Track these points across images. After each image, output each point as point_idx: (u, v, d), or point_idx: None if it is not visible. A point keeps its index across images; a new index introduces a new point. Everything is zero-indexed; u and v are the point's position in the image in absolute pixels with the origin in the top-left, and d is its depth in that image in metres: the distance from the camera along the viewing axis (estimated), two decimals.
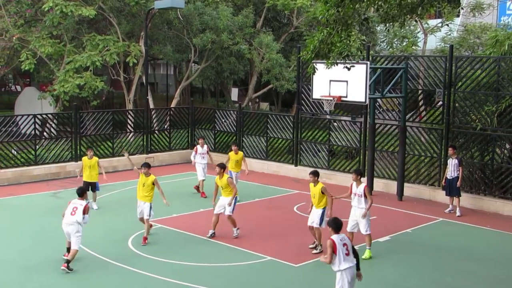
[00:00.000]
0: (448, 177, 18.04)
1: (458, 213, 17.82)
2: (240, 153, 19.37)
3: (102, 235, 15.67)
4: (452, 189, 18.01)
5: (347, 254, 9.85)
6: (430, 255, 14.33)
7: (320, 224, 14.07)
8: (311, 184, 14.30)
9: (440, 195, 19.40)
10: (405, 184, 19.95)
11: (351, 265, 9.88)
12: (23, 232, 15.92)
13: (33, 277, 12.72)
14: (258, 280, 12.72)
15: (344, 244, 9.86)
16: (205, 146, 20.51)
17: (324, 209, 14.08)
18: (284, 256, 14.04)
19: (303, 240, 15.29)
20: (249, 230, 16.03)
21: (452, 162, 17.94)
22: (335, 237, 9.83)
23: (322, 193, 14.04)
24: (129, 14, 28.31)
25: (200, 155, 20.18)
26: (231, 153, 19.23)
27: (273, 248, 14.66)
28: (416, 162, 20.67)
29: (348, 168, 22.26)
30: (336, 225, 9.94)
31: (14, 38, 26.28)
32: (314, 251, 14.23)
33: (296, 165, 23.50)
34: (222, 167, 15.41)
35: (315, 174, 14.29)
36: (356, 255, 10.05)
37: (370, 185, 20.42)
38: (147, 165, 15.03)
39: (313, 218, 14.24)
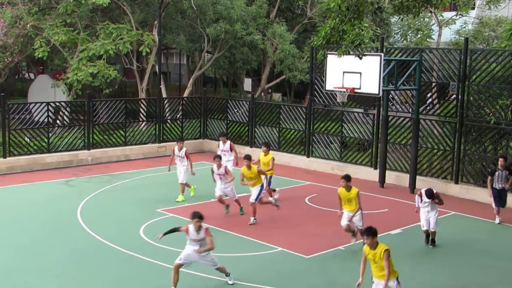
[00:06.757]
0: (497, 188, 16.56)
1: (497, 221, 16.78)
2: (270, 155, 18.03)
3: (114, 223, 15.75)
4: (501, 199, 16.64)
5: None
6: (441, 248, 14.29)
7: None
8: (343, 189, 13.81)
9: (452, 188, 19.32)
10: (417, 177, 19.84)
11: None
12: (35, 219, 16.02)
13: (44, 263, 12.82)
14: (269, 270, 12.74)
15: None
16: (228, 142, 19.28)
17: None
18: (295, 247, 14.05)
19: (314, 231, 15.31)
20: (261, 220, 16.03)
21: (502, 174, 16.45)
22: None
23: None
24: (143, 3, 28.30)
25: (221, 152, 18.93)
26: (261, 155, 18.16)
27: (284, 239, 14.67)
28: (428, 155, 20.57)
29: (360, 160, 22.21)
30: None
31: (28, 25, 26.34)
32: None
33: (308, 157, 23.47)
34: (250, 158, 15.95)
35: (348, 179, 13.82)
36: None
37: (382, 177, 20.42)
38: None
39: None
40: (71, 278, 12.14)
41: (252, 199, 15.89)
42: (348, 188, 13.73)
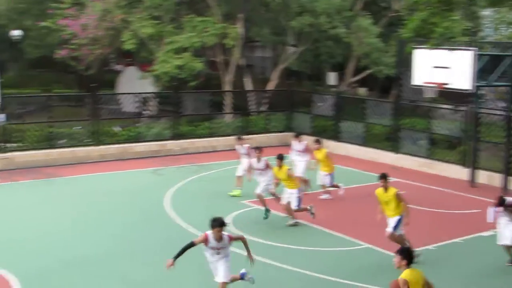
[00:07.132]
0: None
1: None
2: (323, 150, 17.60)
3: (202, 213, 15.94)
4: None
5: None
6: None
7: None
8: (380, 190, 12.69)
9: None
10: (510, 178, 19.08)
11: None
12: (126, 206, 16.51)
13: (136, 250, 13.20)
14: (350, 265, 12.62)
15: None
16: (304, 143, 18.47)
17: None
18: (382, 243, 13.79)
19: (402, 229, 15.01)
20: (346, 216, 15.90)
21: None
22: None
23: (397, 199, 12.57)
24: None
25: (295, 152, 18.47)
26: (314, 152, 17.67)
27: (370, 235, 14.44)
28: None
29: (449, 158, 21.59)
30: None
31: (116, 19, 27.04)
32: None
33: (396, 153, 23.02)
34: (281, 158, 15.00)
35: (385, 178, 12.65)
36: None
37: (473, 176, 19.76)
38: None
39: None
40: (159, 265, 12.37)
41: (293, 206, 14.90)
42: (386, 189, 12.63)
